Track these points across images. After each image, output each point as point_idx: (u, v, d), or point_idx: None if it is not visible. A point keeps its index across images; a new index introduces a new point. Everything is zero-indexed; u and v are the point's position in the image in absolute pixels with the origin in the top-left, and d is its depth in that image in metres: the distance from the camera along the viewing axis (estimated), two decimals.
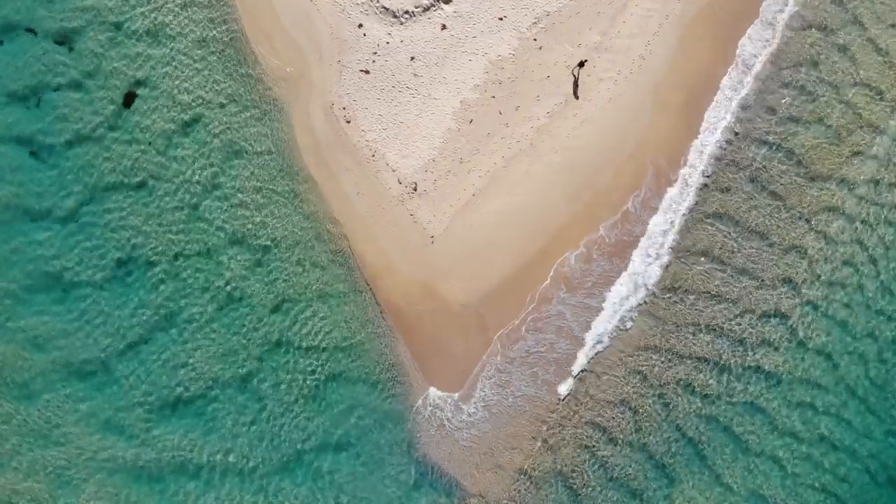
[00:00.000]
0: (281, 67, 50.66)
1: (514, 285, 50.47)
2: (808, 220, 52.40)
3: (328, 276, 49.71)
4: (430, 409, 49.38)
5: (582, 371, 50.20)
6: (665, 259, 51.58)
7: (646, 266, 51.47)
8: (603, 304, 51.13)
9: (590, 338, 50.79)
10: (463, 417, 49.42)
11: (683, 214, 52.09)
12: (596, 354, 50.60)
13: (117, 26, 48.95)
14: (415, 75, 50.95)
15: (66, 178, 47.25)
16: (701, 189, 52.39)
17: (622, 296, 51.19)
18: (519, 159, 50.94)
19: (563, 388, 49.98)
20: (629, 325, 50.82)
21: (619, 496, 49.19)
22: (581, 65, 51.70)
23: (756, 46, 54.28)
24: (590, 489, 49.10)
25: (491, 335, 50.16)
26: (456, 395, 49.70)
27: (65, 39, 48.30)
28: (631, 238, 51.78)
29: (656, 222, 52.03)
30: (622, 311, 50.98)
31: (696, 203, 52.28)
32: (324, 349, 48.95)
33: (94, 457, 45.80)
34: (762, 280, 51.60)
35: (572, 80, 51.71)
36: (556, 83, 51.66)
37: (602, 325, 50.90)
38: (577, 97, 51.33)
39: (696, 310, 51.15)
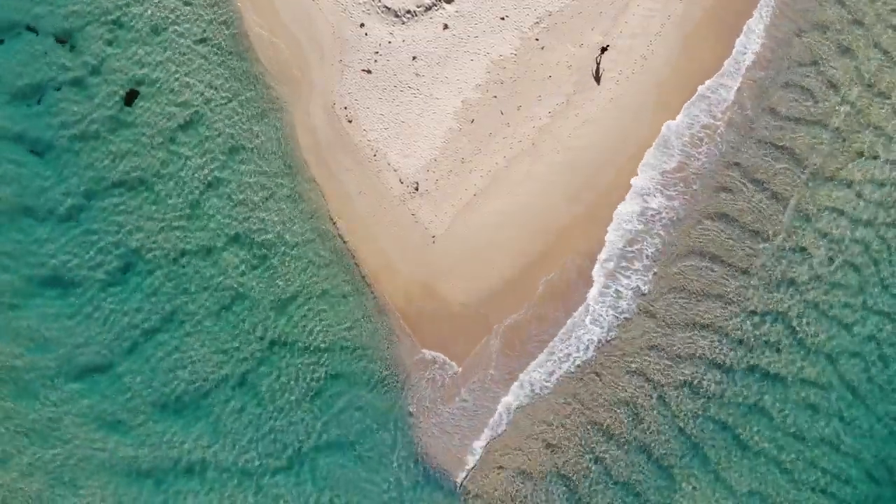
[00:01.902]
0: (282, 66, 50.65)
1: (515, 286, 50.40)
2: (809, 221, 52.41)
3: (329, 275, 49.66)
4: (426, 383, 49.16)
5: (488, 444, 49.08)
6: (663, 261, 51.58)
7: (638, 272, 51.39)
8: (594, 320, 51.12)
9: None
10: (463, 418, 49.42)
11: (681, 217, 52.12)
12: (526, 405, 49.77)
13: (118, 25, 48.94)
14: (416, 75, 50.93)
15: (67, 177, 47.24)
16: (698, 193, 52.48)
17: (613, 303, 51.12)
18: (520, 159, 50.92)
19: (467, 467, 48.80)
20: (612, 334, 50.58)
21: (619, 496, 49.16)
22: (604, 50, 51.64)
23: (756, 47, 54.28)
24: (590, 489, 49.07)
25: (491, 335, 50.13)
26: (458, 367, 49.50)
27: (66, 38, 48.27)
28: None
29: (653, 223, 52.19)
30: (609, 324, 50.79)
31: (697, 204, 52.30)
32: (324, 349, 48.89)
33: (94, 456, 45.70)
34: (763, 280, 51.61)
35: (594, 65, 51.64)
36: (558, 83, 51.66)
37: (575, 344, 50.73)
38: (598, 82, 51.31)
39: (696, 310, 51.14)
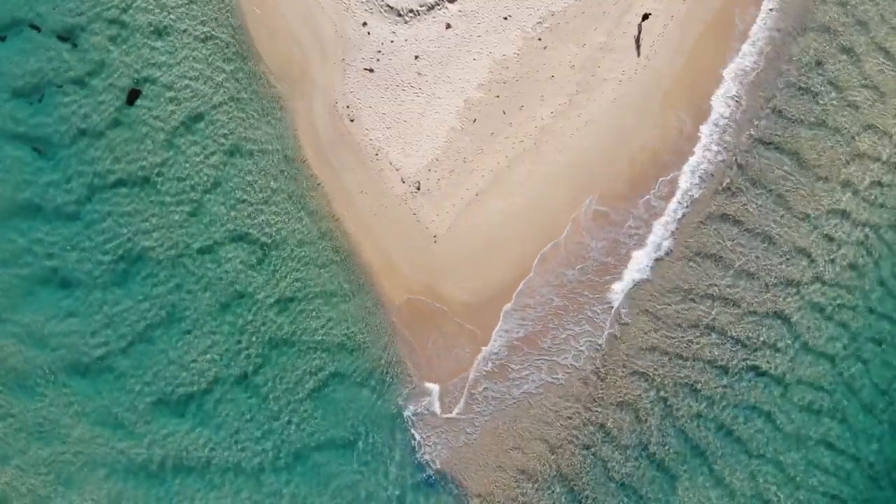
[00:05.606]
0: (284, 65, 50.62)
1: (516, 285, 50.40)
2: (811, 222, 52.42)
3: (330, 274, 49.66)
4: (428, 401, 49.27)
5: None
6: (667, 260, 51.63)
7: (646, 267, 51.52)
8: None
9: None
10: (463, 417, 49.43)
11: (684, 216, 52.06)
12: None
13: (121, 23, 48.97)
14: (419, 74, 50.90)
15: (68, 175, 47.28)
16: (699, 194, 52.48)
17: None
18: (522, 159, 50.89)
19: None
20: (596, 353, 50.65)
21: (620, 497, 49.21)
22: (645, 17, 51.39)
23: (758, 48, 54.27)
24: (591, 490, 49.12)
25: (491, 335, 50.15)
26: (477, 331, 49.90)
27: (68, 36, 48.29)
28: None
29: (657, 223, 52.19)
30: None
31: (699, 205, 52.27)
32: (325, 348, 48.91)
33: (94, 454, 45.79)
34: (765, 282, 51.63)
35: (635, 34, 51.42)
36: (561, 83, 51.62)
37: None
38: (639, 53, 51.00)
39: (698, 311, 51.15)
